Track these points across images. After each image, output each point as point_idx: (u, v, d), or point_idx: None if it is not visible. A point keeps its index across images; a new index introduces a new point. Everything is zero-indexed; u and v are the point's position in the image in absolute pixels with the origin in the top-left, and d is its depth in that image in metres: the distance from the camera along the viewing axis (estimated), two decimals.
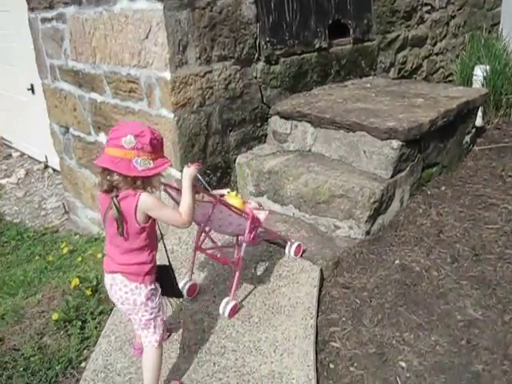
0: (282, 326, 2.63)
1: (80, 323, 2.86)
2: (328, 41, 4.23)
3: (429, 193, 3.66)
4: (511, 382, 2.26)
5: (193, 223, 2.35)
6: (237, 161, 3.80)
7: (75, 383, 2.51)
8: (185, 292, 2.81)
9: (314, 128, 3.70)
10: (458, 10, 5.73)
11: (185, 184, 2.21)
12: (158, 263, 2.26)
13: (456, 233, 3.25)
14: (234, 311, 2.73)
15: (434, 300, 2.75)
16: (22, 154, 7.09)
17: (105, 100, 3.96)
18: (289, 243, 3.07)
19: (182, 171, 2.93)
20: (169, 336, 2.65)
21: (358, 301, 2.81)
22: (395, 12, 4.88)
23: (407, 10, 5.02)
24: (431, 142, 3.61)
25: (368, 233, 3.26)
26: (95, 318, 2.89)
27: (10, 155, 7.19)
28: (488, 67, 5.00)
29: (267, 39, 3.77)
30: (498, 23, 6.37)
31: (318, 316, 2.71)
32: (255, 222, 2.73)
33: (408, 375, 2.34)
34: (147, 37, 3.31)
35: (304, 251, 3.09)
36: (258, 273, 3.02)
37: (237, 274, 2.72)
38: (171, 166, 2.20)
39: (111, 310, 2.89)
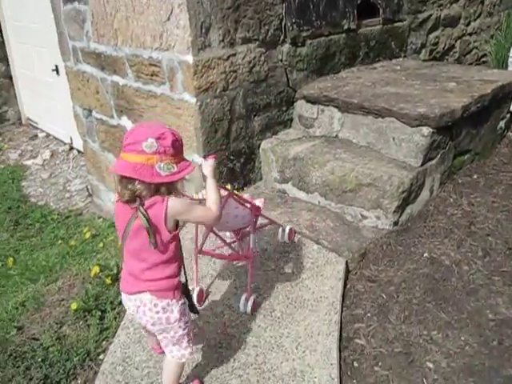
0: (305, 322, 2.55)
1: (99, 313, 2.81)
2: (356, 21, 4.08)
3: (460, 181, 3.51)
4: None
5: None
6: (261, 146, 3.71)
7: (93, 375, 2.46)
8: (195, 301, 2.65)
9: (341, 113, 3.57)
10: None
11: (208, 177, 2.08)
12: None
13: (488, 224, 3.11)
14: (256, 305, 2.65)
15: (463, 296, 2.63)
16: (48, 135, 7.09)
17: (127, 83, 3.89)
18: (281, 228, 3.01)
19: (204, 158, 2.86)
20: None
21: (385, 296, 2.71)
22: None
23: None
24: (463, 129, 3.46)
25: (396, 223, 3.14)
26: (115, 308, 2.84)
27: (36, 136, 7.20)
28: None
29: (293, 20, 3.63)
30: None
31: (342, 311, 2.62)
32: (257, 210, 2.66)
33: (435, 377, 2.24)
34: (169, 19, 3.21)
35: (295, 233, 3.04)
36: (282, 264, 2.93)
37: (250, 268, 2.64)
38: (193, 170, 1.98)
39: None
